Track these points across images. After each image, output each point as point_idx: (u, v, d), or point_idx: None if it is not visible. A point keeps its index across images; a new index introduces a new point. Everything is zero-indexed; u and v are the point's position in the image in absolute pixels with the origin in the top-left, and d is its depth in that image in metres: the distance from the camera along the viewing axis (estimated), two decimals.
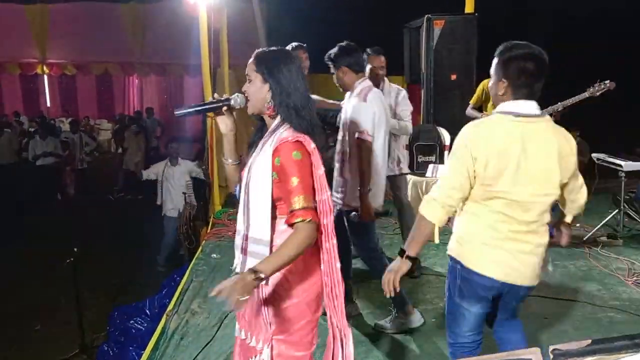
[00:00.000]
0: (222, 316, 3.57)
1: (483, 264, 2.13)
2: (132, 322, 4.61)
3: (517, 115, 2.05)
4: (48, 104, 16.85)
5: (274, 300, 1.86)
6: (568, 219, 2.36)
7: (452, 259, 2.25)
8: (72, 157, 11.05)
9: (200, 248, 5.15)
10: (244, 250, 1.91)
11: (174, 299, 3.95)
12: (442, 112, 6.27)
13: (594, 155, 5.34)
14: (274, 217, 1.85)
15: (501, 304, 2.32)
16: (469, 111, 5.00)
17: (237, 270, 1.94)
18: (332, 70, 3.30)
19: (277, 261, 1.73)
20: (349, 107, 3.21)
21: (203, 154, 7.67)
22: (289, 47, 4.60)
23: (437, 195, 2.09)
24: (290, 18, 10.22)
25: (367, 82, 3.28)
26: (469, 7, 6.53)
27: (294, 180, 1.76)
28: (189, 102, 16.07)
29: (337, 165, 3.33)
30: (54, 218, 9.46)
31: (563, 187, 2.13)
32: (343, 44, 3.29)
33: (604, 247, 4.85)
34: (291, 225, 1.78)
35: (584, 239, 5.04)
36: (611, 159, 5.08)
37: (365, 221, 3.15)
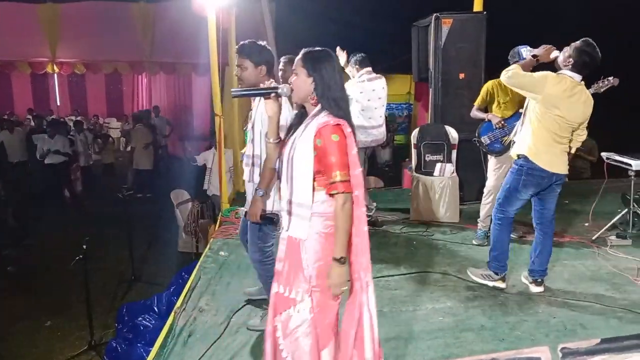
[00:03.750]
0: (230, 313, 3.59)
1: (543, 161, 3.59)
2: (140, 319, 4.63)
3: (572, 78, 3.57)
4: (58, 103, 16.98)
5: (314, 258, 2.22)
6: (572, 150, 3.79)
7: (522, 157, 3.67)
8: (79, 155, 11.15)
9: (208, 245, 5.17)
10: (289, 212, 2.28)
11: (182, 296, 3.96)
12: (451, 111, 6.26)
13: (603, 154, 5.29)
14: (313, 188, 2.22)
15: (547, 192, 3.75)
16: (474, 112, 4.99)
17: (285, 228, 2.31)
18: (241, 63, 3.11)
19: (342, 240, 2.16)
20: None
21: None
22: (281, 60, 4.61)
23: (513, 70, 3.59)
24: (299, 17, 10.24)
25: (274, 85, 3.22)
26: (478, 6, 6.50)
27: (333, 158, 2.13)
28: (198, 100, 16.01)
29: (246, 169, 3.24)
30: (63, 215, 9.54)
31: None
32: (260, 42, 3.15)
33: (612, 246, 4.82)
34: (331, 195, 2.17)
35: (593, 238, 5.01)
36: (621, 158, 5.04)
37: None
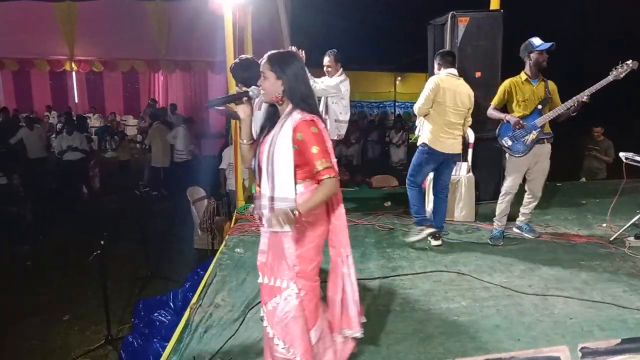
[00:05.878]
0: (246, 309, 3.62)
1: (439, 145, 4.73)
2: (156, 314, 4.68)
3: (450, 74, 4.77)
4: (76, 100, 17.18)
5: (296, 246, 2.38)
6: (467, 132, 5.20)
7: (423, 144, 4.82)
8: (97, 152, 11.27)
9: (224, 242, 5.20)
10: (272, 209, 2.35)
11: (198, 292, 3.99)
12: None
13: (621, 154, 5.21)
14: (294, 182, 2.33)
15: (443, 166, 4.86)
16: (491, 112, 4.88)
17: (266, 224, 2.43)
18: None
19: (309, 204, 2.30)
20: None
21: (224, 149, 7.83)
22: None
23: (417, 109, 4.89)
24: (315, 15, 10.24)
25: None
26: (494, 4, 6.45)
27: (315, 149, 2.27)
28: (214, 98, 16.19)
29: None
30: (81, 211, 9.66)
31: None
32: (240, 59, 3.42)
33: (631, 247, 4.76)
34: (319, 182, 2.31)
35: (611, 239, 4.96)
36: (639, 158, 4.97)
37: None
